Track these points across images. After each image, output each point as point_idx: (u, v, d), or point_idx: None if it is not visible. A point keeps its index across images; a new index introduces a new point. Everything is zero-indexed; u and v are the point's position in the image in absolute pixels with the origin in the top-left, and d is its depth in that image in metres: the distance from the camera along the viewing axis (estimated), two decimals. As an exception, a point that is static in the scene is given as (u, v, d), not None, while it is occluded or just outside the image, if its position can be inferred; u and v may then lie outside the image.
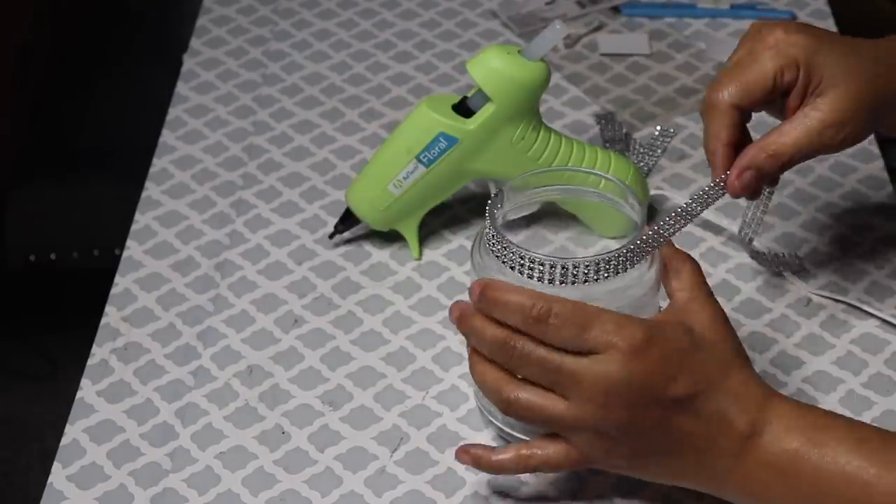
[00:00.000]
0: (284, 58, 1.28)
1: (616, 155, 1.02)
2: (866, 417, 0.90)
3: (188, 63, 1.29)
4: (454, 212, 1.08)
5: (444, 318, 0.99)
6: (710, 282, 0.82)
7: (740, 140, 0.88)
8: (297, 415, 0.92)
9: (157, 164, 1.16)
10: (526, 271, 0.80)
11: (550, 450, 0.79)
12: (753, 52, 0.88)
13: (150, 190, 1.13)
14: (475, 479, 0.87)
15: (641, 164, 1.13)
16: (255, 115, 1.21)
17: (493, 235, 0.81)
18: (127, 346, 0.98)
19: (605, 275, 0.79)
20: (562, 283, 0.79)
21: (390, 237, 1.05)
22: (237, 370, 0.95)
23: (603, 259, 0.79)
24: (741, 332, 0.96)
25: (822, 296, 0.98)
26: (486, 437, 0.89)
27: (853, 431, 0.77)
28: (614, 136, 1.16)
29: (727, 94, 0.87)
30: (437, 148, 0.98)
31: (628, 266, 0.80)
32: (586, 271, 0.79)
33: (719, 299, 0.82)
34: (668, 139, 1.15)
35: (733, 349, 0.80)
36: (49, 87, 1.83)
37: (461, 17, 1.33)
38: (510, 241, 0.80)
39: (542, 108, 1.20)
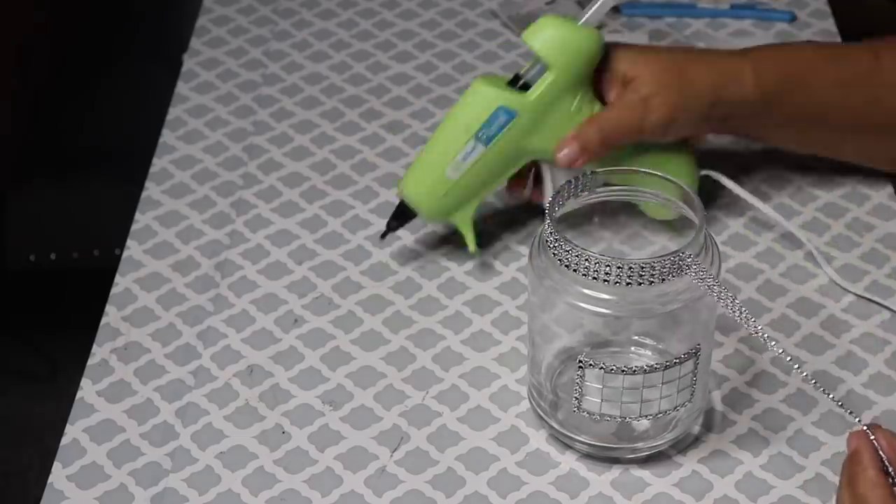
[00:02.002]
0: (284, 58, 1.28)
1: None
2: (866, 417, 0.90)
3: (188, 63, 1.29)
4: (454, 212, 1.08)
5: (445, 317, 0.99)
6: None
7: None
8: (297, 415, 0.92)
9: (157, 164, 1.16)
10: (583, 270, 0.79)
11: None
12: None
13: (150, 190, 1.13)
14: (475, 479, 0.87)
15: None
16: (255, 114, 1.21)
17: (551, 235, 0.81)
18: (127, 345, 0.98)
19: (665, 276, 0.79)
20: (616, 283, 0.79)
21: (388, 238, 1.05)
22: (237, 370, 0.95)
23: (662, 261, 0.79)
24: (741, 332, 0.96)
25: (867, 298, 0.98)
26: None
27: None
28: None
29: None
30: (496, 123, 0.96)
31: (688, 269, 0.80)
32: (642, 273, 0.79)
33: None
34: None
35: None
36: (49, 87, 1.83)
37: (461, 17, 1.33)
38: (570, 241, 0.80)
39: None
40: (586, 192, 0.86)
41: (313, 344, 0.97)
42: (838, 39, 1.28)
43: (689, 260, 0.79)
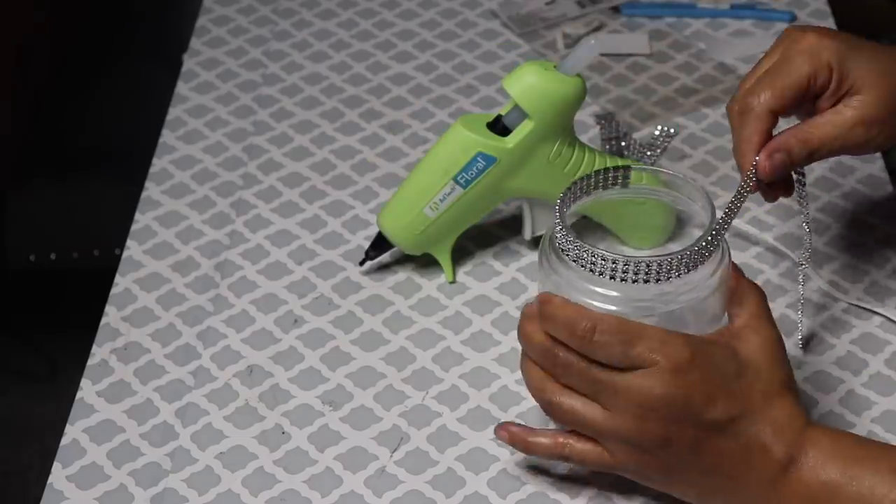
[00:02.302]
0: (284, 58, 1.28)
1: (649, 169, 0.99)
2: (866, 417, 0.90)
3: (188, 63, 1.29)
4: (454, 212, 1.08)
5: (445, 317, 0.99)
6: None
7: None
8: (297, 415, 0.92)
9: (157, 164, 1.16)
10: (589, 266, 0.79)
11: (587, 447, 0.81)
12: (786, 56, 0.88)
13: (150, 190, 1.13)
14: (475, 479, 0.87)
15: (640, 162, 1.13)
16: (255, 115, 1.21)
17: (560, 231, 0.81)
18: (127, 346, 0.98)
19: (675, 273, 0.79)
20: (622, 279, 0.79)
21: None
22: (237, 370, 0.95)
23: (671, 257, 0.78)
24: (741, 332, 0.96)
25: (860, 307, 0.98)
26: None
27: (891, 461, 0.77)
28: (614, 135, 1.16)
29: (762, 98, 0.87)
30: (474, 168, 0.96)
31: (697, 265, 0.79)
32: (648, 270, 0.78)
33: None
34: (669, 139, 1.15)
35: (781, 377, 0.80)
36: (49, 87, 1.83)
37: (461, 17, 1.33)
38: (577, 238, 0.80)
39: (542, 108, 1.20)
40: (597, 191, 0.86)
41: (313, 344, 0.97)
42: (838, 39, 1.28)
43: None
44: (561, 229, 0.81)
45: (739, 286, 0.82)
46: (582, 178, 0.85)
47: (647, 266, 0.78)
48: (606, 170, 0.85)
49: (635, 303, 0.80)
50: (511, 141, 0.96)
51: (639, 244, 1.03)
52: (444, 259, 1.01)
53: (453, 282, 1.02)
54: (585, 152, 0.99)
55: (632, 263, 0.78)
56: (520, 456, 0.88)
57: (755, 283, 0.83)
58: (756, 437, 0.77)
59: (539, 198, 1.00)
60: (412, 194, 0.99)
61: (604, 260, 0.79)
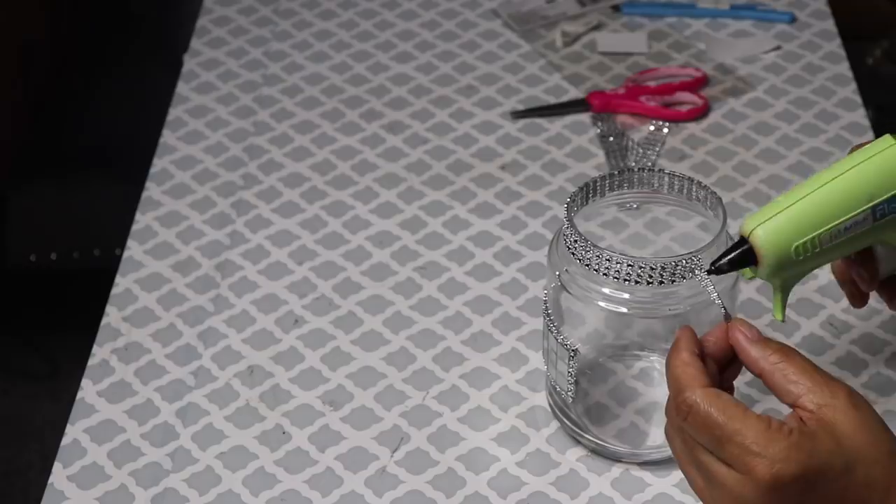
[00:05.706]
0: (285, 58, 1.28)
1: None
2: (866, 417, 0.90)
3: (189, 63, 1.29)
4: (455, 212, 1.08)
5: (445, 317, 0.99)
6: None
7: None
8: (298, 415, 0.92)
9: (158, 164, 1.16)
10: (596, 267, 0.79)
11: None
12: None
13: (151, 190, 1.13)
14: (475, 480, 0.87)
15: (641, 162, 1.13)
16: (255, 115, 1.21)
17: (570, 233, 0.81)
18: (127, 346, 0.98)
19: (681, 277, 0.79)
20: (637, 282, 0.79)
21: (389, 239, 1.05)
22: (238, 370, 0.95)
23: (677, 261, 0.78)
24: (741, 333, 0.96)
25: None
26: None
27: None
28: (612, 135, 1.16)
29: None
30: None
31: (702, 270, 0.78)
32: (653, 272, 0.78)
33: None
34: (664, 136, 1.15)
35: (890, 453, 0.69)
36: (49, 87, 1.83)
37: (461, 18, 1.33)
38: (587, 239, 0.80)
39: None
40: (608, 193, 0.85)
41: (314, 344, 0.97)
42: (838, 40, 1.28)
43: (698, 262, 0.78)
44: (570, 229, 0.81)
45: (773, 356, 0.73)
46: (595, 179, 0.84)
47: (653, 269, 0.78)
48: (622, 171, 0.85)
49: (641, 303, 0.80)
50: None
51: None
52: (785, 294, 0.80)
53: (783, 321, 0.81)
54: None
55: (637, 266, 0.78)
56: (520, 456, 0.88)
57: (786, 346, 0.74)
58: None
59: None
60: (817, 212, 0.76)
61: (608, 261, 0.79)
